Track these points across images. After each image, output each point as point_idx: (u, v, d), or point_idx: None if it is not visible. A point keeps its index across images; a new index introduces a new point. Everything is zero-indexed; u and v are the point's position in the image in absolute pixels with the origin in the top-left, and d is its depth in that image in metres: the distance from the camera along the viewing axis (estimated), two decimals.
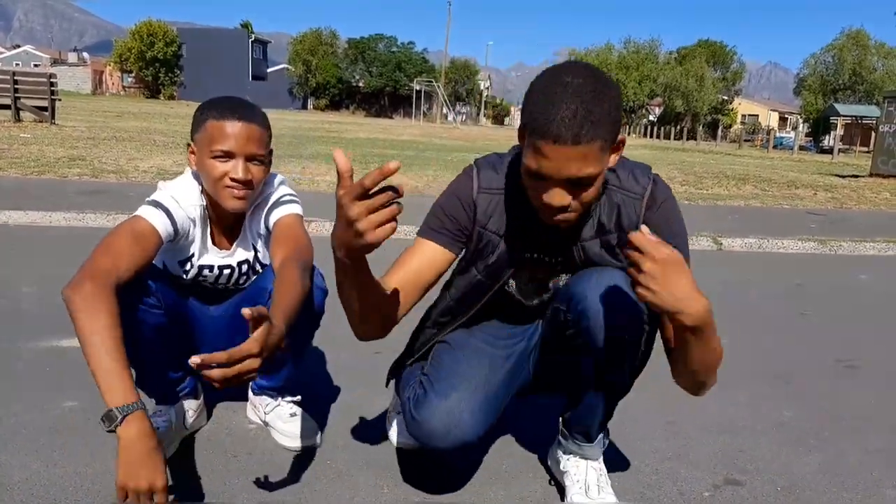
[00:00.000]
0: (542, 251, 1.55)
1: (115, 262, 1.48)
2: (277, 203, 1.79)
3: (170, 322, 1.72)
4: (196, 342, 1.89)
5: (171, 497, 1.32)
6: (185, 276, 1.84)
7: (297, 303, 1.46)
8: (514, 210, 1.49)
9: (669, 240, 1.28)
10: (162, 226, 1.63)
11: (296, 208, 1.80)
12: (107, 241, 1.53)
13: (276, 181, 1.84)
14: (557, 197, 1.29)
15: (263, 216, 1.81)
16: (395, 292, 1.43)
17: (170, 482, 1.34)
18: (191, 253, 1.79)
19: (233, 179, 1.63)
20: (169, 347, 1.77)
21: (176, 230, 1.67)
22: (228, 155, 1.63)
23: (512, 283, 1.61)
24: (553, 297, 1.63)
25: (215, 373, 1.17)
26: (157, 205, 1.65)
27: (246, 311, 1.16)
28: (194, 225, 1.74)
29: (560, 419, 1.74)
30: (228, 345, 1.86)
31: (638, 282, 1.17)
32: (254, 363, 1.20)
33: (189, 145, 1.72)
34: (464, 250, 1.56)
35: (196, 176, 1.75)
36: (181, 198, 1.70)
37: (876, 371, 2.92)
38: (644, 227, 1.18)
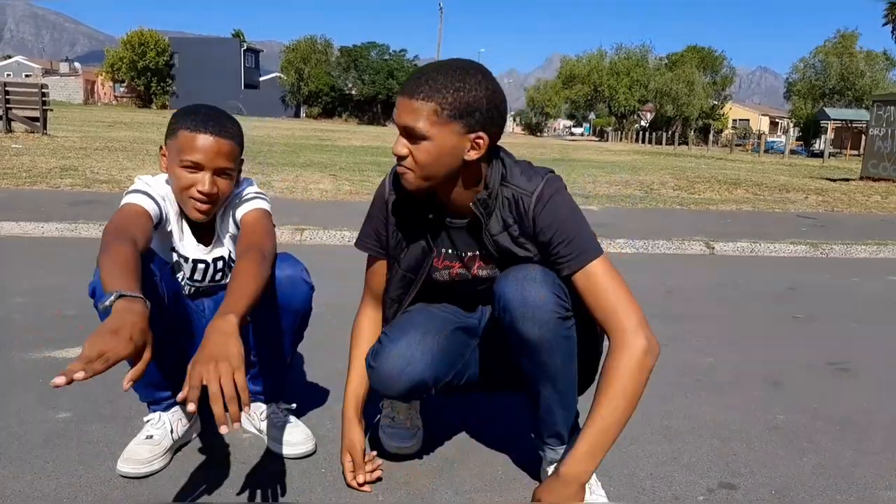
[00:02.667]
0: (452, 247, 1.67)
1: (128, 229, 1.54)
2: (244, 200, 1.84)
3: (167, 319, 1.72)
4: (186, 341, 1.89)
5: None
6: (177, 273, 1.87)
7: (257, 291, 1.49)
8: (420, 208, 1.63)
9: (557, 232, 1.49)
10: (150, 207, 1.68)
11: (261, 203, 1.84)
12: (110, 223, 1.57)
13: (245, 183, 1.89)
14: (398, 145, 1.48)
15: (231, 216, 1.86)
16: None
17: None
18: (173, 241, 1.83)
19: (199, 191, 1.68)
20: (167, 348, 1.76)
21: (161, 211, 1.72)
22: (197, 167, 1.67)
23: (440, 274, 1.71)
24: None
25: (217, 410, 1.21)
26: (137, 191, 1.70)
27: (190, 408, 1.21)
28: (170, 207, 1.78)
29: (531, 434, 1.77)
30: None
31: None
32: (238, 386, 1.24)
33: (161, 147, 1.77)
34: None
35: (167, 182, 1.80)
36: (155, 188, 1.75)
37: (868, 373, 2.94)
38: None
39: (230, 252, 1.92)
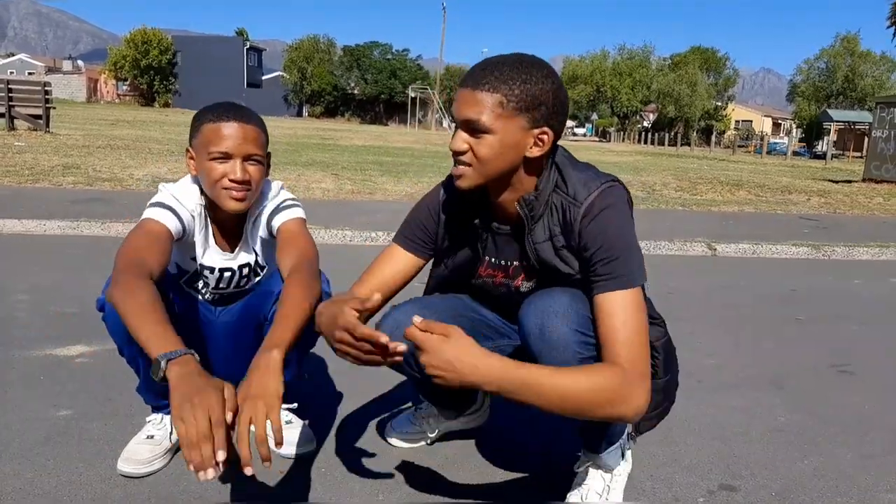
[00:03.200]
0: (497, 255, 1.61)
1: (143, 257, 1.50)
2: (279, 208, 1.81)
3: (181, 332, 1.71)
4: (203, 347, 1.89)
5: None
6: (197, 279, 1.85)
7: (306, 314, 1.46)
8: (469, 212, 1.58)
9: (600, 249, 1.38)
10: (172, 223, 1.66)
11: (298, 212, 1.82)
12: (126, 245, 1.55)
13: (277, 187, 1.86)
14: (456, 140, 1.39)
15: (265, 221, 1.82)
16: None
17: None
18: (195, 252, 1.82)
19: (231, 180, 1.66)
20: None
21: (184, 227, 1.71)
22: (226, 156, 1.65)
23: (483, 282, 1.67)
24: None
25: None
26: (161, 205, 1.68)
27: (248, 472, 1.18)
28: (195, 221, 1.76)
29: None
30: (234, 348, 1.87)
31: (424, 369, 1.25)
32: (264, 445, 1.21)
33: (188, 150, 1.75)
34: (434, 251, 1.69)
35: (196, 181, 1.78)
36: (182, 197, 1.73)
37: (870, 376, 2.93)
38: (415, 318, 1.27)
39: (257, 258, 1.90)
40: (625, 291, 1.36)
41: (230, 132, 1.65)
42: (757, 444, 2.18)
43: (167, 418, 1.88)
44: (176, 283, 1.84)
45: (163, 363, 1.21)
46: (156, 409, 1.89)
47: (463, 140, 1.38)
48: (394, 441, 2.01)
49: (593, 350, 1.40)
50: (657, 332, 1.58)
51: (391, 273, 1.64)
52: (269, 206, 1.82)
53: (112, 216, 5.34)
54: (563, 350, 1.39)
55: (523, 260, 1.56)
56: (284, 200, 1.83)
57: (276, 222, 1.79)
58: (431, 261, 1.72)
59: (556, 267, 1.48)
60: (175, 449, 1.89)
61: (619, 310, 1.35)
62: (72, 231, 5.12)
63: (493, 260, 1.62)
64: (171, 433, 1.87)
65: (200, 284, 1.88)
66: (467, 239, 1.61)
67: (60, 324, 2.92)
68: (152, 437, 1.84)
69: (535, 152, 1.40)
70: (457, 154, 1.40)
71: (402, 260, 1.66)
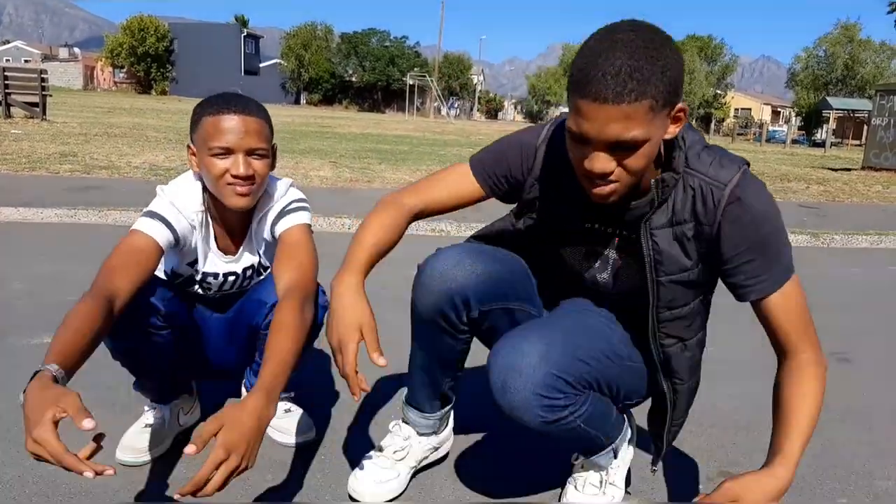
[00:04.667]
0: (601, 221, 1.43)
1: (110, 278, 1.44)
2: (284, 212, 1.73)
3: (174, 337, 1.70)
4: (202, 348, 1.88)
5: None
6: (194, 283, 1.82)
7: (294, 355, 1.38)
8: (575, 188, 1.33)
9: (754, 242, 1.28)
10: (161, 236, 1.58)
11: (303, 217, 1.74)
12: (107, 261, 1.49)
13: (284, 186, 1.78)
14: (599, 162, 1.17)
15: (269, 224, 1.75)
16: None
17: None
18: (195, 258, 1.75)
19: (234, 176, 1.57)
20: (171, 359, 1.75)
21: (177, 238, 1.63)
22: (227, 151, 1.56)
23: (567, 250, 1.51)
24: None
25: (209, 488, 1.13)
26: (153, 215, 1.60)
27: (189, 450, 1.10)
28: (195, 231, 1.69)
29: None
30: (230, 348, 1.87)
31: None
32: (231, 463, 1.15)
33: (189, 146, 1.67)
34: (511, 198, 1.54)
35: (198, 178, 1.70)
36: (181, 203, 1.65)
37: (868, 363, 2.94)
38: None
39: (260, 259, 1.84)
40: (786, 285, 1.31)
41: (230, 125, 1.56)
42: (755, 431, 2.18)
43: (165, 407, 1.88)
44: (169, 284, 1.79)
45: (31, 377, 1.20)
46: (154, 400, 1.89)
47: (608, 161, 1.17)
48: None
49: (560, 412, 1.34)
50: (703, 338, 1.56)
51: (448, 194, 1.52)
52: (276, 208, 1.74)
53: (109, 204, 5.32)
54: (523, 413, 1.33)
55: (633, 234, 1.38)
56: (291, 203, 1.75)
57: (280, 228, 1.72)
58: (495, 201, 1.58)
59: (669, 257, 1.34)
60: (174, 437, 1.89)
61: (793, 302, 1.33)
62: (69, 219, 5.11)
63: (594, 226, 1.45)
64: (169, 422, 1.87)
65: (198, 289, 1.83)
66: (563, 198, 1.42)
67: (58, 312, 2.90)
68: (151, 425, 1.84)
69: (674, 131, 1.21)
70: (602, 175, 1.19)
71: (467, 186, 1.52)
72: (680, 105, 1.18)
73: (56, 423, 1.10)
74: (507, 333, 1.41)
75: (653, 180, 1.29)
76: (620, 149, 1.14)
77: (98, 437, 1.15)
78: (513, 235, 1.56)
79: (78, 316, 1.30)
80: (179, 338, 1.73)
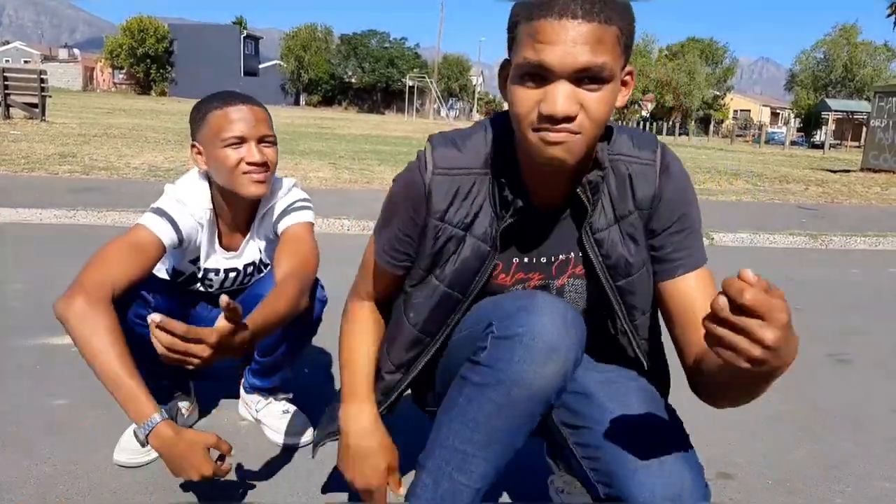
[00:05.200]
0: (537, 251, 1.21)
1: (109, 273, 1.44)
2: (288, 210, 1.75)
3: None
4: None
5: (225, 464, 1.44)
6: (195, 281, 1.82)
7: (279, 319, 1.41)
8: (487, 194, 1.16)
9: (683, 217, 1.16)
10: (166, 235, 1.58)
11: (307, 215, 1.76)
12: (102, 251, 1.49)
13: (288, 184, 1.80)
14: (563, 99, 0.96)
15: (273, 221, 1.76)
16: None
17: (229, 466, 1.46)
18: (197, 256, 1.76)
19: (249, 164, 1.59)
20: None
21: (181, 238, 1.63)
22: (241, 140, 1.59)
23: (506, 289, 1.24)
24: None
25: (164, 337, 1.14)
26: (161, 213, 1.60)
27: (224, 300, 1.13)
28: (201, 229, 1.69)
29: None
30: None
31: (754, 357, 0.78)
32: (203, 350, 1.17)
33: (193, 146, 1.67)
34: (417, 251, 1.22)
35: (204, 177, 1.70)
36: (189, 202, 1.65)
37: (867, 365, 2.94)
38: (747, 273, 0.79)
39: (262, 256, 1.85)
40: (704, 269, 1.18)
41: (240, 115, 1.59)
42: (754, 432, 2.18)
43: (164, 409, 1.88)
44: (168, 283, 1.79)
45: (141, 436, 1.36)
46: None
47: (573, 99, 0.97)
48: None
49: None
50: None
51: (390, 282, 1.30)
52: (280, 206, 1.75)
53: (108, 205, 5.32)
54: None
55: (576, 251, 1.21)
56: (295, 202, 1.76)
57: (283, 225, 1.73)
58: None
59: (623, 260, 1.17)
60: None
61: (710, 284, 1.15)
62: (68, 220, 5.10)
63: (524, 260, 1.21)
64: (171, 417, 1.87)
65: (199, 286, 1.84)
66: (478, 231, 1.16)
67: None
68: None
69: (625, 98, 1.06)
70: (565, 120, 0.97)
71: (394, 279, 1.28)
72: (630, 67, 1.04)
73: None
74: (628, 456, 1.09)
75: (581, 185, 1.13)
76: (588, 81, 0.96)
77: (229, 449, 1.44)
78: (443, 300, 1.21)
79: (112, 332, 1.38)
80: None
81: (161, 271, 1.82)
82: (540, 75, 0.97)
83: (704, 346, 0.95)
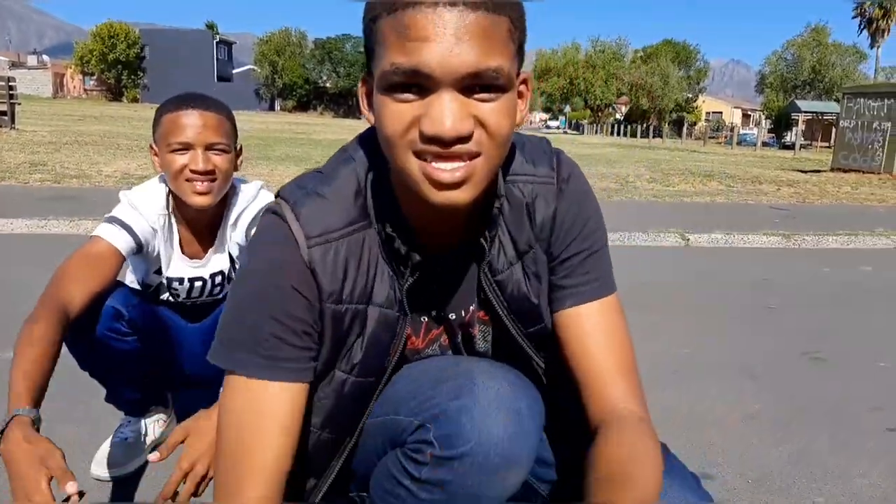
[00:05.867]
0: (443, 304, 1.00)
1: (65, 287, 1.42)
2: (259, 216, 1.72)
3: (143, 345, 1.67)
4: (176, 358, 1.85)
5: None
6: (163, 291, 1.79)
7: None
8: (379, 249, 0.91)
9: (580, 237, 0.96)
10: (122, 242, 1.56)
11: None
12: (61, 267, 1.47)
13: (255, 188, 1.76)
14: (453, 114, 0.74)
15: (245, 228, 1.73)
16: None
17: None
18: (159, 265, 1.72)
19: (193, 171, 1.55)
20: (142, 368, 1.72)
21: (139, 243, 1.61)
22: (186, 146, 1.55)
23: (420, 357, 1.03)
24: None
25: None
26: (113, 220, 1.59)
27: (153, 457, 1.10)
28: (157, 234, 1.66)
29: None
30: (206, 358, 1.83)
31: None
32: (198, 471, 1.13)
33: (151, 147, 1.65)
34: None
35: (162, 179, 1.68)
36: (143, 206, 1.63)
37: (842, 362, 2.98)
38: None
39: (233, 266, 1.80)
40: (610, 298, 0.96)
41: (189, 121, 1.54)
42: (732, 432, 2.20)
43: (141, 421, 1.85)
44: (141, 295, 1.76)
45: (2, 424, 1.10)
46: (128, 413, 1.86)
47: (464, 114, 0.75)
48: None
49: None
50: None
51: (281, 445, 0.86)
52: (250, 212, 1.72)
53: (80, 213, 5.24)
54: None
55: (479, 299, 1.00)
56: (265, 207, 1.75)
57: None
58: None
59: (529, 303, 0.97)
60: (150, 449, 1.86)
61: (616, 321, 0.96)
62: (39, 229, 5.02)
63: (434, 314, 1.00)
64: (145, 434, 1.84)
65: (167, 296, 1.80)
66: (380, 300, 0.92)
67: None
68: (126, 439, 1.81)
69: (523, 113, 0.85)
70: (458, 140, 0.75)
71: (284, 403, 0.86)
72: (525, 74, 0.83)
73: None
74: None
75: (485, 233, 0.93)
76: (479, 90, 0.75)
77: (81, 494, 1.06)
78: (349, 396, 0.95)
79: (34, 343, 1.24)
80: (150, 346, 1.70)
81: (133, 283, 1.79)
82: (417, 85, 0.74)
83: (604, 416, 0.88)
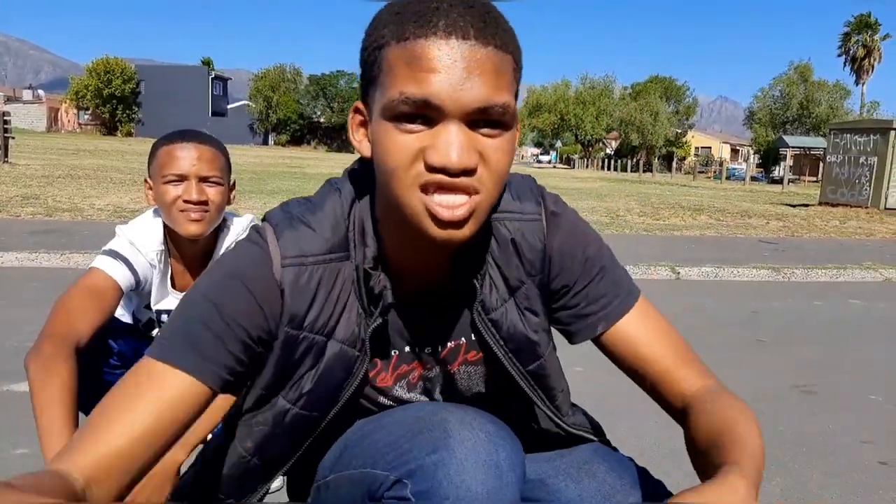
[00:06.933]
0: (419, 340, 0.96)
1: (72, 323, 1.42)
2: None
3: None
4: None
5: None
6: (154, 326, 1.78)
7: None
8: (352, 285, 0.89)
9: (589, 257, 0.96)
10: (122, 277, 1.56)
11: None
12: (63, 300, 1.47)
13: (246, 222, 1.78)
14: (461, 146, 0.73)
15: None
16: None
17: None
18: (149, 300, 1.72)
19: (185, 202, 1.57)
20: None
21: (137, 280, 1.61)
22: (181, 178, 1.57)
23: (387, 394, 0.98)
24: None
25: None
26: (115, 255, 1.58)
27: None
28: (154, 270, 1.67)
29: None
30: None
31: None
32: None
33: (146, 181, 1.67)
34: (253, 370, 0.89)
35: (157, 214, 1.69)
36: (140, 243, 1.63)
37: (832, 395, 2.98)
38: None
39: None
40: (639, 303, 0.97)
41: (184, 153, 1.58)
42: None
43: None
44: (132, 329, 1.76)
45: None
46: None
47: (470, 147, 0.74)
48: None
49: None
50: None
51: (165, 437, 0.79)
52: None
53: (72, 247, 5.23)
54: None
55: (471, 335, 0.97)
56: None
57: None
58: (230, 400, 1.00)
59: (526, 339, 0.96)
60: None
61: (655, 318, 0.97)
62: (30, 263, 5.00)
63: (407, 350, 0.96)
64: None
65: (157, 332, 1.81)
66: (344, 330, 0.89)
67: (18, 359, 2.83)
68: None
69: (510, 151, 0.81)
70: (464, 173, 0.74)
71: (191, 403, 0.81)
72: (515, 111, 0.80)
73: None
74: None
75: (478, 273, 0.92)
76: (483, 125, 0.75)
77: None
78: (293, 427, 0.93)
79: (65, 390, 1.30)
80: None
81: (124, 316, 1.78)
82: (424, 115, 0.74)
83: (687, 399, 0.92)
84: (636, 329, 0.95)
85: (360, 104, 0.83)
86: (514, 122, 0.78)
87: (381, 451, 0.87)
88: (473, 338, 0.97)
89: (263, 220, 0.91)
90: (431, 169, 0.74)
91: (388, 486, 0.83)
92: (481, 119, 0.74)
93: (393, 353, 0.95)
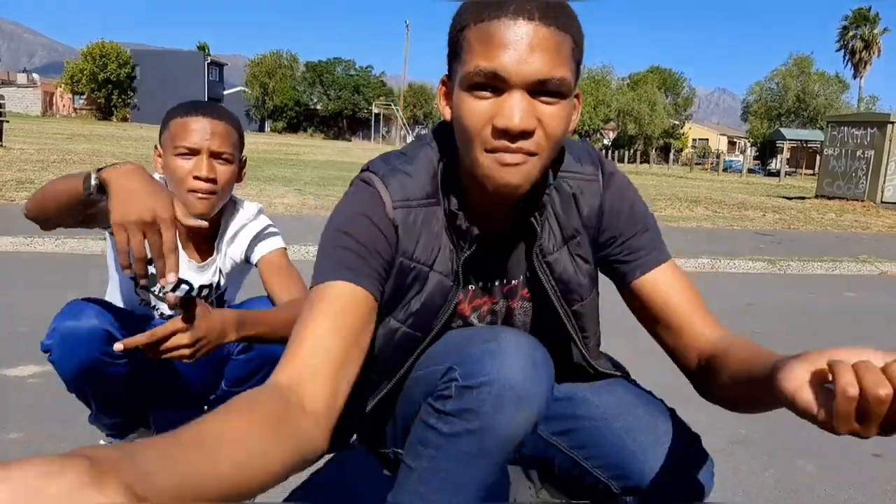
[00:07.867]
0: (489, 276, 1.14)
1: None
2: (261, 236, 1.72)
3: (134, 367, 1.65)
4: (164, 377, 1.83)
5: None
6: (150, 312, 1.77)
7: (284, 330, 1.40)
8: (444, 224, 1.06)
9: (632, 222, 1.12)
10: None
11: (281, 242, 1.74)
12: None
13: (255, 209, 1.76)
14: (522, 112, 0.87)
15: (246, 247, 1.72)
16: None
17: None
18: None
19: (195, 177, 1.54)
20: (130, 391, 1.70)
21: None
22: (192, 152, 1.55)
23: (464, 320, 1.15)
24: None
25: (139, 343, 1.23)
26: None
27: (117, 346, 1.25)
28: None
29: None
30: (193, 373, 1.82)
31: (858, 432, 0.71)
32: (181, 339, 1.25)
33: (156, 148, 1.66)
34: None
35: (163, 181, 1.66)
36: None
37: None
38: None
39: (220, 280, 1.76)
40: (670, 262, 1.13)
41: (198, 126, 1.55)
42: (719, 457, 2.19)
43: (123, 443, 1.82)
44: (127, 312, 1.75)
45: (95, 171, 1.27)
46: (111, 435, 1.83)
47: (530, 112, 0.88)
48: None
49: None
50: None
51: (348, 338, 0.91)
52: (251, 230, 1.72)
53: (66, 232, 5.20)
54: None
55: (528, 276, 1.15)
56: (267, 227, 1.73)
57: (258, 253, 1.71)
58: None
59: (577, 282, 1.12)
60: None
61: (680, 282, 1.12)
62: (24, 248, 4.98)
63: (480, 285, 1.14)
64: None
65: (154, 303, 1.79)
66: (440, 264, 1.06)
67: (12, 343, 2.82)
68: None
69: (575, 121, 0.99)
70: (523, 135, 0.89)
71: (359, 302, 0.95)
72: (577, 90, 0.97)
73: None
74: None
75: (534, 215, 1.06)
76: (544, 94, 0.89)
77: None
78: (398, 346, 1.09)
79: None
80: (141, 368, 1.68)
81: (119, 301, 1.77)
82: (493, 86, 0.88)
83: (710, 347, 1.05)
84: (667, 280, 1.11)
85: (445, 77, 1.00)
86: (569, 93, 0.91)
87: (442, 354, 1.04)
88: (528, 277, 1.14)
89: (366, 170, 1.07)
90: (497, 132, 0.89)
91: (442, 375, 0.99)
92: (541, 90, 0.88)
93: (470, 288, 1.13)
